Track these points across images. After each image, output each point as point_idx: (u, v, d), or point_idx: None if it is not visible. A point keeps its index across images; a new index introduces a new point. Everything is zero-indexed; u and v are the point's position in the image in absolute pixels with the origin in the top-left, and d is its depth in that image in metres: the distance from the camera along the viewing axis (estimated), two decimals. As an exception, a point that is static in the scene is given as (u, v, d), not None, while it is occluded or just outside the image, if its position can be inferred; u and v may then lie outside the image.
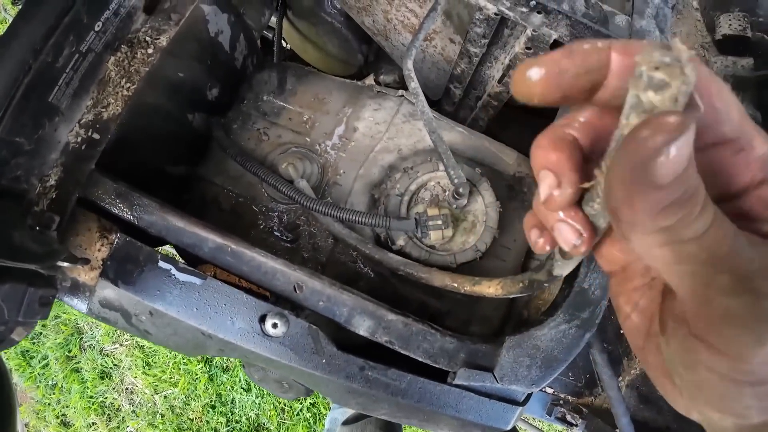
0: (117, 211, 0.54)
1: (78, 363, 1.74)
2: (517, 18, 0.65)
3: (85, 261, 0.54)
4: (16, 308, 0.46)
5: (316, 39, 1.01)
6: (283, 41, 1.12)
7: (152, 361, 1.70)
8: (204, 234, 0.52)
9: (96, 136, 0.56)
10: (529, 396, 0.56)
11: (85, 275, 0.54)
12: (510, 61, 0.77)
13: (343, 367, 0.49)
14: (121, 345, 1.75)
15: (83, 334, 1.78)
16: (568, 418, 0.95)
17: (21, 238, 0.47)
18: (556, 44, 0.69)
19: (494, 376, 0.51)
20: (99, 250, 0.55)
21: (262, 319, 0.48)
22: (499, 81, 0.81)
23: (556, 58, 0.21)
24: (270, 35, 1.13)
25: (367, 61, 1.07)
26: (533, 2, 0.62)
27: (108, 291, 0.53)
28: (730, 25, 1.21)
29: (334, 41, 1.00)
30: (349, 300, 0.50)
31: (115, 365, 1.73)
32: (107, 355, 1.74)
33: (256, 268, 0.51)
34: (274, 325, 0.47)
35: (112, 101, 0.58)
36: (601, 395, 0.97)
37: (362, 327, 0.50)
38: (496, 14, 0.66)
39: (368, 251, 0.60)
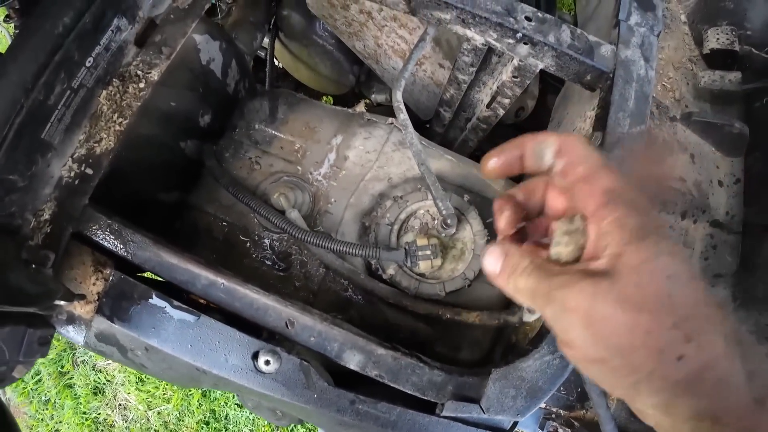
0: (111, 248, 0.55)
1: (71, 379, 1.73)
2: (504, 48, 0.66)
3: (81, 297, 0.55)
4: (16, 349, 0.47)
5: (308, 60, 1.02)
6: (275, 61, 1.13)
7: (145, 377, 1.69)
8: (197, 270, 0.53)
9: (89, 171, 0.56)
10: (515, 423, 0.57)
11: (80, 308, 0.55)
12: (498, 87, 0.78)
13: (334, 401, 0.50)
14: (113, 361, 1.74)
15: (76, 349, 1.77)
16: (560, 431, 0.96)
17: (18, 279, 0.48)
18: (542, 71, 0.71)
19: (481, 407, 0.52)
20: (94, 284, 0.55)
21: (255, 356, 0.49)
22: (488, 106, 0.83)
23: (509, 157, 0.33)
24: (262, 54, 1.13)
25: (359, 80, 1.08)
26: (519, 34, 0.63)
27: (104, 326, 0.54)
28: (718, 39, 1.24)
29: (326, 62, 1.01)
30: (340, 335, 0.51)
31: (108, 381, 1.72)
32: (100, 371, 1.73)
33: (248, 304, 0.51)
34: (267, 362, 0.48)
35: (105, 136, 0.58)
36: (593, 408, 0.99)
37: (353, 361, 0.51)
38: (483, 45, 0.68)
39: (360, 281, 0.61)
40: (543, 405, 0.98)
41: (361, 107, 0.76)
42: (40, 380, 1.73)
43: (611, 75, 0.63)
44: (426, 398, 0.52)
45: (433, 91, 0.94)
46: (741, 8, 1.24)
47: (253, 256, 0.68)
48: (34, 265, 0.52)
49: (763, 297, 1.02)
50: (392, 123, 0.74)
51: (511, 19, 0.63)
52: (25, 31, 0.56)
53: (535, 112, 1.14)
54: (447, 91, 0.84)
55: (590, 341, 0.27)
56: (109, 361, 1.74)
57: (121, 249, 0.54)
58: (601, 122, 0.62)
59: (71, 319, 0.54)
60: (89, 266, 0.55)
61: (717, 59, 1.27)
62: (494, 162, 0.33)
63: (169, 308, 0.51)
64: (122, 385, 1.69)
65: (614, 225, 0.27)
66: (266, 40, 1.04)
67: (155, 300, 0.51)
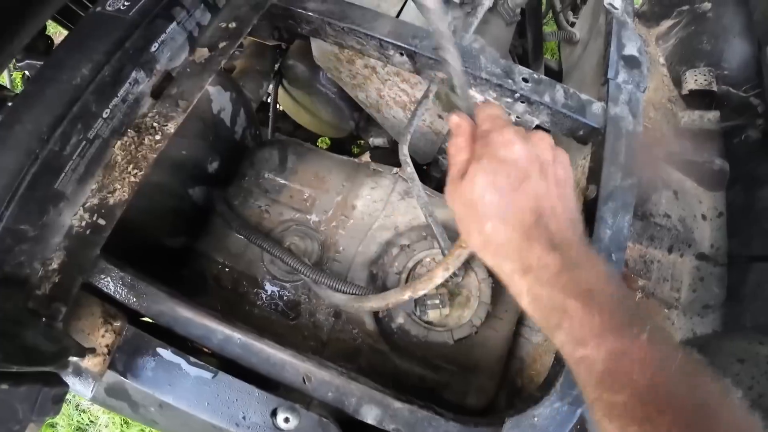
0: (124, 301, 0.55)
1: (53, 418, 1.66)
2: (502, 106, 0.71)
3: (92, 351, 0.54)
4: (30, 408, 0.46)
5: (310, 106, 1.06)
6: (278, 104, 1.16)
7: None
8: (213, 325, 0.53)
9: (101, 221, 0.56)
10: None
11: (88, 361, 0.54)
12: (495, 139, 0.83)
13: (352, 457, 0.51)
14: (122, 415, 1.69)
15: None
16: None
17: (34, 337, 0.48)
18: (538, 126, 0.75)
19: (494, 459, 0.53)
20: (103, 336, 0.54)
21: (274, 413, 0.49)
22: (486, 155, 0.87)
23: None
24: (265, 98, 1.17)
25: (358, 125, 1.12)
26: (517, 94, 0.68)
27: (116, 382, 0.53)
28: (696, 80, 1.32)
29: (328, 109, 1.05)
30: (357, 390, 0.52)
31: (92, 422, 1.66)
32: (84, 411, 1.67)
33: (265, 359, 0.52)
34: (286, 420, 0.49)
35: (119, 187, 0.58)
36: None
37: (370, 416, 0.51)
38: (483, 101, 0.72)
39: (371, 303, 0.61)
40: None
41: (366, 157, 0.79)
42: (19, 424, 1.66)
43: (603, 131, 0.67)
44: (440, 450, 0.53)
45: (431, 139, 0.98)
46: (718, 49, 1.33)
47: (262, 305, 0.69)
48: (44, 319, 0.51)
49: (751, 326, 1.06)
50: (397, 173, 0.77)
51: (510, 81, 0.68)
52: (41, 80, 0.57)
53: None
54: (445, 141, 0.88)
55: (455, 201, 0.47)
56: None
57: (134, 302, 0.55)
58: (595, 176, 0.66)
59: (77, 372, 0.54)
60: (98, 317, 0.54)
61: (696, 99, 1.35)
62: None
63: (185, 364, 0.51)
64: (106, 426, 1.64)
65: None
66: (270, 86, 1.08)
67: (171, 356, 0.52)
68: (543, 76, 0.69)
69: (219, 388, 0.50)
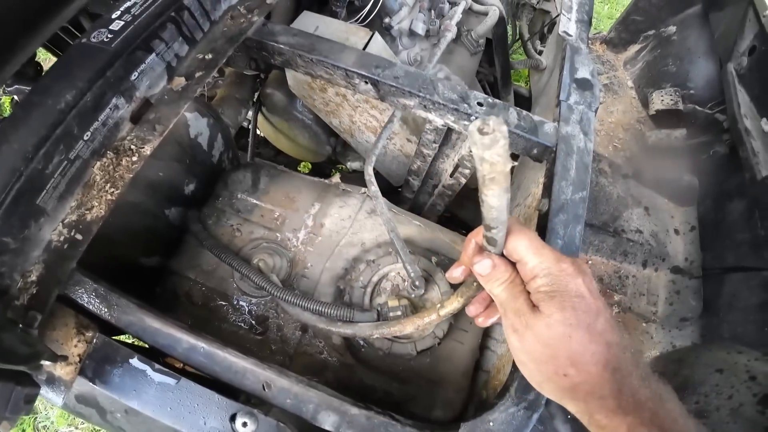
0: (96, 311, 0.57)
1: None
2: (461, 129, 0.75)
3: (64, 358, 0.56)
4: (3, 405, 0.48)
5: (288, 132, 1.11)
6: (257, 130, 1.21)
7: None
8: (178, 335, 0.56)
9: (79, 236, 0.59)
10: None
11: (60, 369, 0.56)
12: (458, 160, 0.87)
13: (309, 463, 0.52)
14: (76, 428, 1.66)
15: (37, 414, 1.68)
16: None
17: (10, 340, 0.50)
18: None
19: (453, 462, 0.54)
20: (75, 346, 0.57)
21: (233, 418, 0.51)
22: (451, 175, 0.91)
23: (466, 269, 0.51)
24: (246, 124, 1.22)
25: (335, 150, 1.17)
26: (473, 117, 0.73)
27: (85, 388, 0.55)
28: (663, 100, 1.38)
29: (305, 134, 1.10)
30: (315, 396, 0.54)
31: None
32: None
33: (227, 368, 0.54)
34: (244, 424, 0.51)
35: (96, 204, 0.62)
36: None
37: (327, 422, 0.53)
38: (443, 125, 0.77)
39: (339, 329, 0.64)
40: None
41: (336, 178, 0.83)
42: (1, 447, 1.63)
43: (554, 149, 0.72)
44: (398, 457, 0.54)
45: (402, 162, 1.03)
46: (683, 70, 1.40)
47: (231, 320, 0.71)
48: (21, 325, 0.54)
49: (729, 336, 1.07)
50: (365, 193, 0.80)
51: (465, 105, 0.73)
52: (28, 105, 0.61)
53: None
54: (414, 162, 0.92)
55: (518, 349, 0.45)
56: (72, 428, 1.66)
57: (105, 312, 0.57)
58: (547, 190, 0.70)
59: (51, 380, 0.56)
60: (72, 328, 0.57)
61: (663, 119, 1.40)
62: (458, 272, 0.51)
63: (150, 371, 0.53)
64: None
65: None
66: (249, 113, 1.14)
67: (137, 363, 0.54)
68: (497, 100, 0.74)
69: (181, 393, 0.52)
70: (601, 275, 1.16)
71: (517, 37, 1.43)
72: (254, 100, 1.07)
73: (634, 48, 1.56)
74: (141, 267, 0.79)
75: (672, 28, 1.47)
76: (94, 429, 1.65)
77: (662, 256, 1.23)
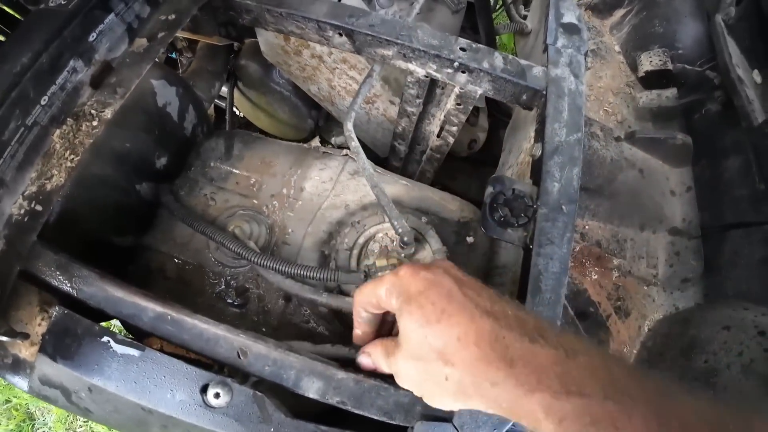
0: (56, 283, 0.52)
1: None
2: (444, 78, 0.71)
3: (25, 336, 0.52)
4: None
5: (267, 107, 1.06)
6: (236, 109, 1.16)
7: None
8: (143, 303, 0.50)
9: (38, 207, 0.56)
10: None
11: (25, 351, 0.51)
12: (444, 116, 0.82)
13: (293, 434, 0.47)
14: (59, 407, 1.61)
15: (35, 420, 1.64)
16: None
17: None
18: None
19: (454, 425, 0.49)
20: (39, 325, 0.52)
21: (204, 390, 0.46)
22: (438, 135, 0.87)
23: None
24: (223, 104, 1.17)
25: (318, 124, 1.12)
26: (456, 63, 0.68)
27: (47, 367, 0.50)
28: (651, 61, 1.34)
29: (284, 108, 1.05)
30: (296, 362, 0.48)
31: None
32: None
33: (197, 335, 0.49)
34: (216, 395, 0.45)
35: (56, 173, 0.58)
36: None
37: (311, 389, 0.48)
38: (425, 76, 0.72)
39: (323, 300, 0.59)
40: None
41: (316, 142, 0.78)
42: (0, 453, 1.58)
43: (544, 92, 0.67)
44: (394, 422, 0.49)
45: (387, 128, 0.98)
46: (670, 30, 1.36)
47: (209, 293, 0.66)
48: None
49: (733, 294, 1.04)
50: (347, 154, 0.75)
51: (447, 51, 0.68)
52: None
53: (488, 145, 1.20)
54: (399, 124, 0.87)
55: (407, 384, 0.43)
56: (70, 431, 1.61)
57: (66, 285, 0.52)
58: (540, 135, 0.65)
59: (16, 364, 0.51)
60: (35, 306, 0.53)
61: (653, 80, 1.36)
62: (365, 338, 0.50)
63: (112, 343, 0.48)
64: None
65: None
66: (226, 90, 1.08)
67: (98, 334, 0.49)
68: (480, 45, 0.69)
69: (146, 365, 0.47)
70: (599, 239, 1.12)
71: (500, 3, 1.39)
72: (229, 73, 1.01)
73: (619, 12, 1.53)
74: (115, 248, 0.74)
75: (657, -11, 1.43)
76: (92, 430, 1.60)
77: (659, 219, 1.19)
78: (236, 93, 1.09)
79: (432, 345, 0.38)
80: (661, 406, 0.33)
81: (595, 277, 1.11)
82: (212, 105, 1.27)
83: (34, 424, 1.64)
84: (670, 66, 1.29)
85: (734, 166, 1.14)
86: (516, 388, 0.35)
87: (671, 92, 1.29)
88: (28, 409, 1.65)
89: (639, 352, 1.05)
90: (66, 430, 1.62)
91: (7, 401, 1.64)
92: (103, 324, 0.52)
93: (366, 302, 0.45)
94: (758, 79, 1.10)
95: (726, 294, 1.05)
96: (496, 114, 1.26)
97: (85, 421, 1.63)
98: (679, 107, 1.28)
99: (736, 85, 1.04)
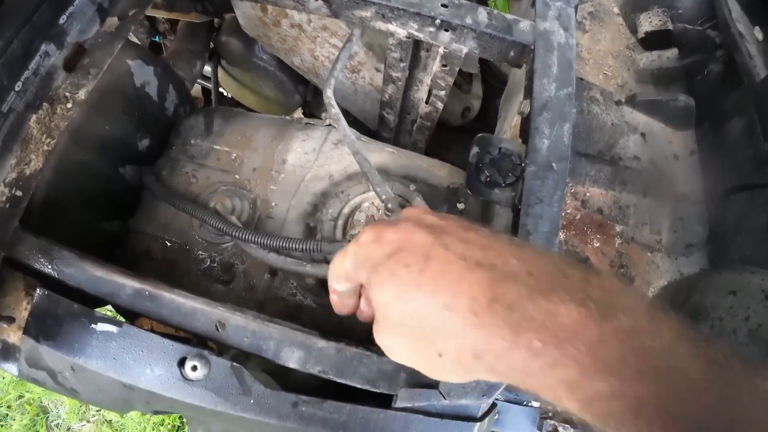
0: (38, 266, 0.52)
1: None
2: (427, 38, 0.68)
3: (10, 319, 0.52)
4: None
5: (252, 84, 1.04)
6: (223, 90, 1.14)
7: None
8: (121, 281, 0.49)
9: (18, 193, 0.56)
10: (490, 410, 0.53)
11: (13, 336, 0.52)
12: (431, 80, 0.79)
13: (273, 406, 0.45)
14: (88, 422, 1.64)
15: (49, 413, 1.67)
16: (560, 429, 0.91)
17: None
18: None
19: (440, 392, 0.48)
20: (25, 309, 0.53)
21: (182, 363, 0.45)
22: (426, 101, 0.83)
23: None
24: (209, 85, 1.15)
25: (306, 100, 1.09)
26: (438, 21, 0.65)
27: (32, 349, 0.50)
28: (651, 21, 1.29)
29: (270, 84, 1.02)
30: (276, 332, 0.47)
31: None
32: None
33: (175, 310, 0.48)
34: (194, 368, 0.44)
35: (34, 157, 0.58)
36: None
37: (292, 359, 0.47)
38: (407, 37, 0.69)
39: (307, 270, 0.58)
40: (537, 404, 0.93)
41: (298, 113, 0.76)
42: (16, 447, 1.62)
43: (532, 48, 0.64)
44: (378, 390, 0.48)
45: (375, 98, 0.95)
46: None
47: (194, 272, 0.64)
48: None
49: (738, 258, 1.01)
50: (330, 124, 0.73)
51: (427, 8, 0.64)
52: None
53: (483, 114, 1.17)
54: (385, 92, 0.84)
55: (400, 361, 0.37)
56: (84, 422, 1.64)
57: (48, 267, 0.52)
58: (528, 91, 0.62)
59: (6, 350, 0.51)
60: (21, 291, 0.54)
61: (653, 41, 1.31)
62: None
63: (91, 321, 0.47)
64: None
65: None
66: (210, 70, 1.06)
67: (77, 312, 0.48)
68: (464, 1, 0.66)
69: (125, 341, 0.46)
70: (601, 206, 1.09)
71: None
72: (211, 52, 0.99)
73: (618, -28, 1.46)
74: (104, 234, 0.73)
75: (654, -51, 1.37)
76: (105, 420, 1.64)
77: (663, 183, 1.16)
78: (221, 73, 1.07)
79: (414, 319, 0.31)
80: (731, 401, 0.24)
81: (598, 244, 1.08)
82: (200, 88, 1.25)
83: (48, 416, 1.67)
84: (670, 26, 1.23)
85: (738, 128, 1.10)
86: (529, 361, 0.27)
87: (672, 53, 1.24)
88: (41, 402, 1.68)
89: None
90: (79, 421, 1.65)
91: (20, 396, 1.67)
92: (99, 310, 0.51)
93: (335, 277, 0.39)
94: (759, 36, 1.05)
95: (731, 259, 1.02)
96: (492, 81, 1.22)
97: (97, 410, 1.66)
98: (680, 68, 1.23)
99: (737, 40, 0.99)
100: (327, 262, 0.61)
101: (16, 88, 0.58)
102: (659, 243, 1.08)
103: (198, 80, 1.15)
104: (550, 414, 0.93)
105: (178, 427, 1.59)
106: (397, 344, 0.35)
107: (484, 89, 1.14)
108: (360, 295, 0.41)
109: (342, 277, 0.38)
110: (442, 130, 1.09)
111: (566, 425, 0.95)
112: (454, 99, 1.09)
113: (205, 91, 1.25)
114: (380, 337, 0.36)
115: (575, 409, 0.26)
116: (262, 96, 1.06)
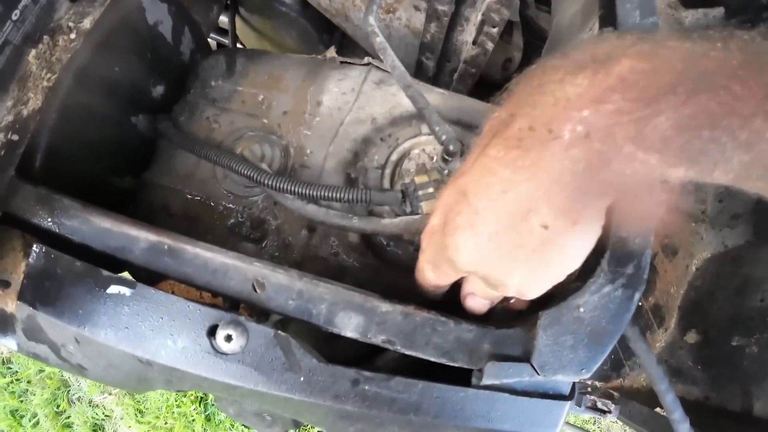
0: (37, 220, 0.44)
1: (68, 418, 1.61)
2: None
3: (5, 284, 0.45)
4: None
5: (273, 34, 0.93)
6: (240, 45, 1.04)
7: (144, 407, 1.58)
8: (134, 233, 0.40)
9: (15, 137, 0.49)
10: (575, 386, 0.44)
11: (11, 304, 0.44)
12: (483, 16, 0.68)
13: (329, 384, 0.36)
14: (110, 394, 1.64)
15: (70, 386, 1.67)
16: (599, 405, 0.85)
17: None
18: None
19: (533, 366, 0.38)
20: (23, 272, 0.44)
21: (212, 332, 0.36)
22: (474, 42, 0.72)
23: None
24: (226, 40, 1.05)
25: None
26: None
27: (29, 318, 0.42)
28: None
29: (292, 33, 0.92)
30: (328, 293, 0.38)
31: (107, 416, 1.60)
32: (97, 406, 1.61)
33: (201, 267, 0.39)
34: (228, 338, 0.35)
35: (32, 96, 0.52)
36: (630, 375, 0.88)
37: (349, 327, 0.38)
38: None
39: (354, 224, 0.48)
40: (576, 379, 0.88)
41: (331, 52, 0.66)
42: (37, 423, 1.62)
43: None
44: (457, 364, 0.39)
45: (411, 43, 0.84)
46: None
47: (220, 228, 0.55)
48: None
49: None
50: (370, 62, 0.63)
51: None
52: None
53: (520, 71, 1.05)
54: (427, 31, 0.73)
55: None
56: (105, 395, 1.63)
57: (47, 220, 0.43)
58: (608, 19, 0.51)
59: (4, 320, 0.44)
60: (19, 251, 0.46)
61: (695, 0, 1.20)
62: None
63: (97, 280, 0.38)
64: (121, 418, 1.59)
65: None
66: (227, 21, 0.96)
67: (81, 271, 0.39)
68: None
69: (139, 306, 0.37)
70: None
71: None
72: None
73: None
74: (115, 191, 0.65)
75: None
76: (126, 393, 1.62)
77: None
78: (239, 23, 0.96)
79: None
80: None
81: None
82: (215, 44, 1.15)
83: (69, 390, 1.66)
84: (714, -18, 1.10)
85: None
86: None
87: (719, 11, 1.11)
88: (62, 376, 1.66)
89: (686, 293, 0.96)
90: (101, 393, 1.64)
91: (41, 371, 1.65)
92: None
93: (430, 288, 0.41)
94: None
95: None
96: (530, 38, 1.10)
97: (120, 382, 1.64)
98: (727, 28, 1.11)
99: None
100: (373, 214, 0.52)
101: (13, 17, 0.52)
102: (704, 213, 0.99)
103: (212, 35, 1.06)
104: (589, 389, 0.86)
105: (201, 397, 1.56)
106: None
107: (525, 43, 1.02)
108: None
109: (437, 287, 0.40)
110: (479, 85, 0.98)
111: (606, 400, 0.87)
112: (495, 48, 0.97)
113: (221, 47, 1.15)
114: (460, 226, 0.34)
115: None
116: (283, 47, 0.95)
